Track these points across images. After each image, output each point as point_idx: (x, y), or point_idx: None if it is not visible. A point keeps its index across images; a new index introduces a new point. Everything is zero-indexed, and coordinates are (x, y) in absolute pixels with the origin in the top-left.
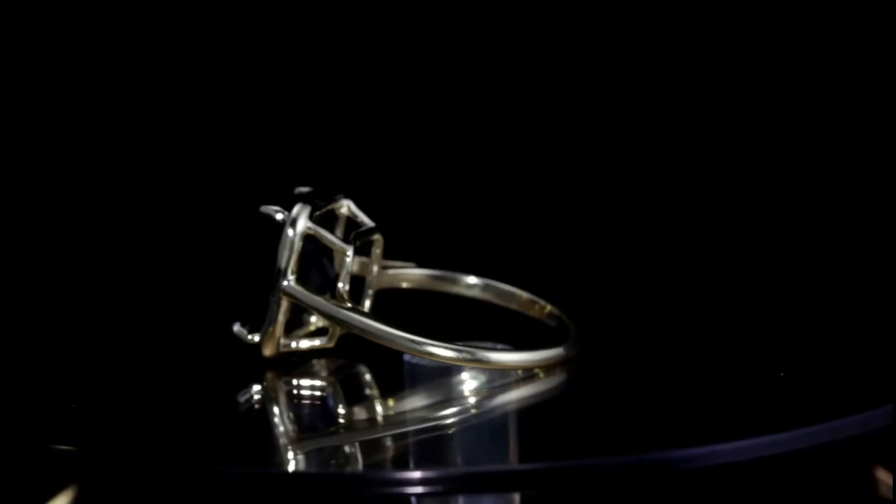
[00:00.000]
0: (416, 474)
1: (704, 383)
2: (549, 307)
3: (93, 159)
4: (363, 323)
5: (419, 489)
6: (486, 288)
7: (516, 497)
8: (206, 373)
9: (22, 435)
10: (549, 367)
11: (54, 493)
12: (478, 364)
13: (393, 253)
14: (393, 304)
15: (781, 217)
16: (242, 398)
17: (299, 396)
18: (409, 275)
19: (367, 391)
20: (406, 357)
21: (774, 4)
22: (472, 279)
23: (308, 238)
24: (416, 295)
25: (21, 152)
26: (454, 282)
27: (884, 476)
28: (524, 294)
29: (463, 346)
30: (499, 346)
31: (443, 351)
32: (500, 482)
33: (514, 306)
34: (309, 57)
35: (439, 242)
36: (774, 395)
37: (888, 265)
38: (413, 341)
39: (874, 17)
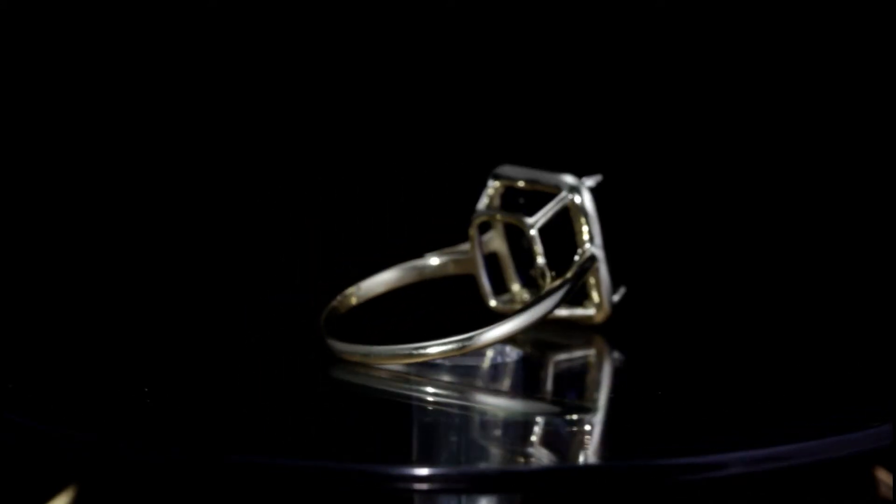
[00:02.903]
0: (421, 471)
1: (698, 393)
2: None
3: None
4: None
5: (424, 486)
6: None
7: (518, 498)
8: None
9: (37, 425)
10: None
11: (63, 489)
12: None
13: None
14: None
15: (790, 244)
16: None
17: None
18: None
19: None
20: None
21: (763, 4)
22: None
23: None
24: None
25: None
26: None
27: (884, 476)
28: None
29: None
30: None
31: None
32: (502, 482)
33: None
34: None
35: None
36: (773, 410)
37: (888, 278)
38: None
39: (872, 17)
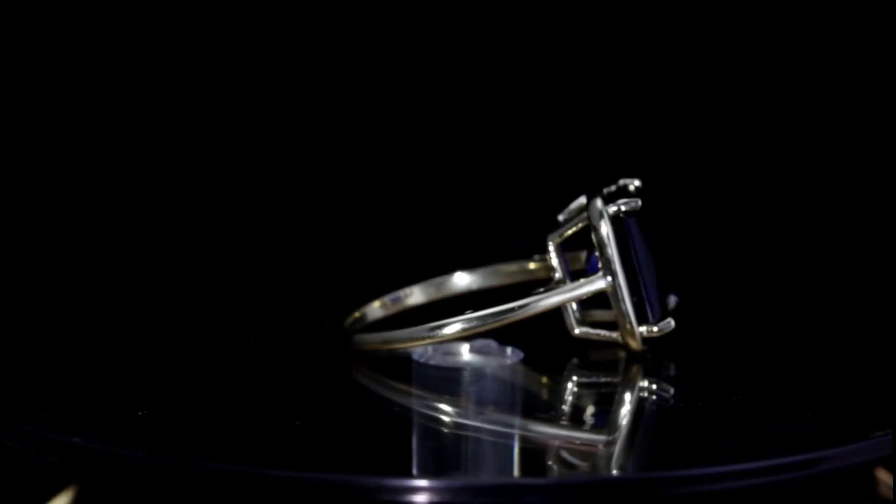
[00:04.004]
0: (422, 482)
1: (695, 406)
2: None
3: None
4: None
5: (422, 498)
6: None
7: None
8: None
9: (36, 429)
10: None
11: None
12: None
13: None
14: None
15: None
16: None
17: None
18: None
19: None
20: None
21: (772, 4)
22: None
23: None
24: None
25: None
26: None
27: (884, 476)
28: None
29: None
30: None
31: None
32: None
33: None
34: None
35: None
36: (771, 422)
37: (890, 288)
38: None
39: (874, 17)
